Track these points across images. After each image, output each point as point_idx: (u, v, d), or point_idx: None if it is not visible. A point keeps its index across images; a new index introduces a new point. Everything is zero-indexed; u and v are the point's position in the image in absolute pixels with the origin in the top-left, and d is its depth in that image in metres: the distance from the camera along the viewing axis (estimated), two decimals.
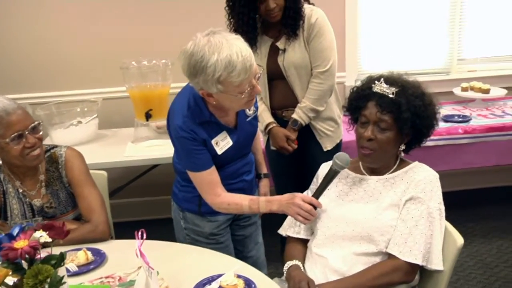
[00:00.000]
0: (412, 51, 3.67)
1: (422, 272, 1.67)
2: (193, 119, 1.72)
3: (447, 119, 3.12)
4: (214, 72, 1.54)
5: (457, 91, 3.46)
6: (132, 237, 1.83)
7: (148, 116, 2.81)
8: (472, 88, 3.44)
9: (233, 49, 1.55)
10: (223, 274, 1.53)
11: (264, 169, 2.13)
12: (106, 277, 1.61)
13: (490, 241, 3.21)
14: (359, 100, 1.69)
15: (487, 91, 3.39)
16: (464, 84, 3.47)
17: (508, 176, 3.89)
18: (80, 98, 3.16)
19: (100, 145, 2.93)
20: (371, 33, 3.60)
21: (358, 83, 1.76)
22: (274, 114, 2.48)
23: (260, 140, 2.24)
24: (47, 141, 2.73)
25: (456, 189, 3.61)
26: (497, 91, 3.44)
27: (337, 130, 2.52)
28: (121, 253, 1.74)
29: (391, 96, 1.61)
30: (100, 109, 3.04)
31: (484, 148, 3.01)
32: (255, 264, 1.95)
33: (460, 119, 3.11)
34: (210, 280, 1.54)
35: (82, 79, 3.33)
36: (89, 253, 1.69)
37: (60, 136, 2.82)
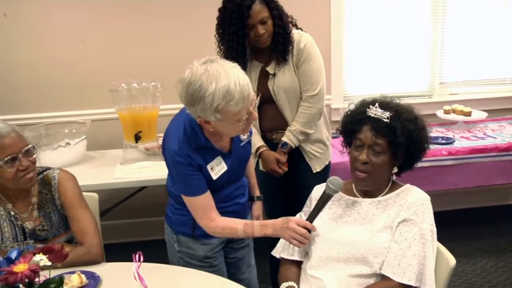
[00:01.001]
0: (395, 74, 3.77)
1: None
2: (189, 144, 1.73)
3: (432, 141, 3.17)
4: (213, 102, 1.56)
5: (440, 113, 3.55)
6: (122, 259, 1.84)
7: (137, 138, 2.82)
8: (454, 111, 3.53)
9: (231, 78, 1.56)
10: None
11: (257, 192, 2.15)
12: None
13: (474, 261, 3.27)
14: (354, 124, 1.73)
15: (468, 114, 3.48)
16: (447, 107, 3.56)
17: (488, 197, 3.98)
18: (68, 120, 3.15)
19: (88, 166, 2.92)
20: (356, 58, 3.68)
21: (352, 107, 1.80)
22: (264, 137, 2.51)
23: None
24: None
25: (439, 209, 3.67)
26: (478, 114, 3.53)
27: (326, 152, 2.56)
28: (116, 276, 1.73)
29: (386, 120, 1.65)
30: (88, 131, 3.04)
31: (467, 169, 3.09)
32: (248, 286, 1.96)
33: (444, 141, 3.19)
34: None
35: (70, 100, 3.33)
36: (83, 276, 1.68)
37: (48, 158, 2.80)
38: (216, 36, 2.36)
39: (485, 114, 3.54)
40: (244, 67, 2.33)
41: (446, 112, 3.54)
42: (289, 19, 2.39)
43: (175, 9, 3.31)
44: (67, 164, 2.80)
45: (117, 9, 3.26)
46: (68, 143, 2.96)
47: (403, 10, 3.64)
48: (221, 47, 2.37)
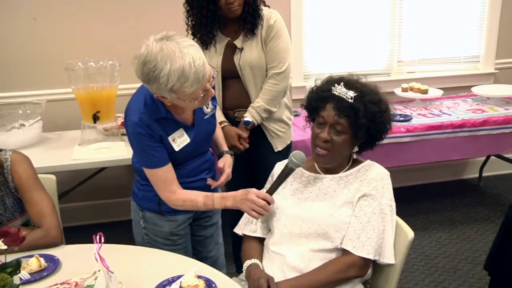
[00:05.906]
0: (355, 53, 3.80)
1: (375, 266, 1.74)
2: (149, 115, 1.72)
3: None
4: (167, 82, 1.55)
5: (398, 91, 3.62)
6: (83, 241, 1.81)
7: (95, 118, 2.75)
8: (411, 89, 3.61)
9: (185, 59, 1.54)
10: (182, 275, 1.53)
11: (225, 147, 2.13)
12: (62, 283, 1.56)
13: (430, 233, 3.39)
14: (318, 101, 1.73)
15: (425, 92, 3.57)
16: (404, 85, 3.63)
17: (443, 172, 4.13)
18: (22, 100, 3.04)
19: (45, 148, 2.83)
20: (316, 36, 3.69)
21: (318, 83, 1.80)
22: (226, 115, 2.49)
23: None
24: None
25: (396, 185, 3.78)
26: (434, 92, 3.62)
27: (287, 131, 2.56)
28: (76, 258, 1.70)
29: (349, 100, 1.66)
30: (44, 111, 2.95)
31: (424, 145, 3.17)
32: (214, 264, 1.97)
33: (402, 118, 3.25)
34: (170, 281, 1.53)
35: (24, 80, 3.21)
36: (41, 259, 1.64)
37: (1, 140, 2.71)
38: (185, 5, 2.32)
39: (440, 92, 3.63)
40: (212, 36, 2.32)
41: (404, 90, 3.61)
42: None
43: None
44: (22, 146, 2.73)
45: None
46: (22, 124, 2.87)
47: None
48: (189, 17, 2.33)
